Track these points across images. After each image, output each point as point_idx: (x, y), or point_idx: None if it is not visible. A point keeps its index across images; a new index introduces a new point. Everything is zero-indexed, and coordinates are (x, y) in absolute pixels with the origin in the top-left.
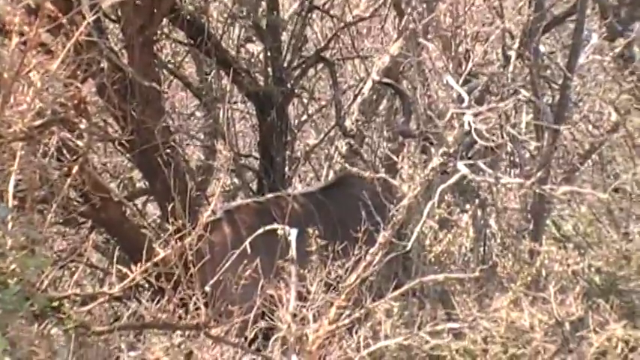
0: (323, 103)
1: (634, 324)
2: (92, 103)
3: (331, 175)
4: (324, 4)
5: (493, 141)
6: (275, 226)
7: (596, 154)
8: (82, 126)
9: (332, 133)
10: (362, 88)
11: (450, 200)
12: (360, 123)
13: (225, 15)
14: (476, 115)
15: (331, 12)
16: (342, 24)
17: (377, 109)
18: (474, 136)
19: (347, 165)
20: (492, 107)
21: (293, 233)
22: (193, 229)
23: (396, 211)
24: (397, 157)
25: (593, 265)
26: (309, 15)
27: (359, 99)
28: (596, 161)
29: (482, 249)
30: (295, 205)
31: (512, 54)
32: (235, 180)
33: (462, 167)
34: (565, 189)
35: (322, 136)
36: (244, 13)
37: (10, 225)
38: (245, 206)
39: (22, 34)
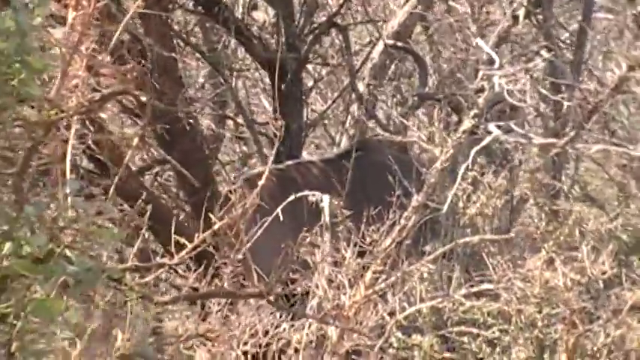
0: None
1: None
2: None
3: (344, 140)
4: None
5: (525, 101)
6: (307, 192)
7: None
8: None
9: (346, 100)
10: (372, 52)
11: (482, 162)
12: (372, 87)
13: None
14: (506, 76)
15: None
16: None
17: (388, 73)
18: (506, 97)
19: (361, 130)
20: (522, 68)
21: (325, 199)
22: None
23: (428, 174)
24: (407, 120)
25: (624, 224)
26: None
27: (369, 63)
28: (599, 120)
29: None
30: (315, 171)
31: (521, 12)
32: (245, 148)
33: (494, 129)
34: (599, 147)
35: (331, 101)
36: None
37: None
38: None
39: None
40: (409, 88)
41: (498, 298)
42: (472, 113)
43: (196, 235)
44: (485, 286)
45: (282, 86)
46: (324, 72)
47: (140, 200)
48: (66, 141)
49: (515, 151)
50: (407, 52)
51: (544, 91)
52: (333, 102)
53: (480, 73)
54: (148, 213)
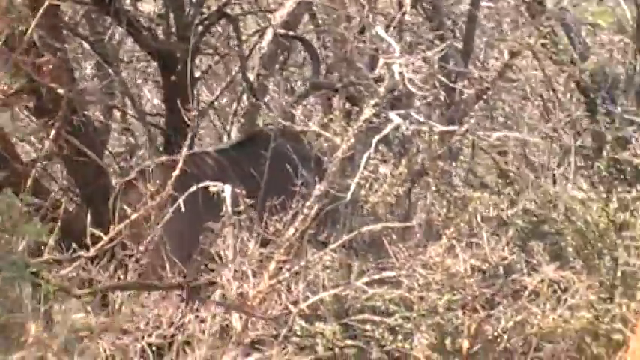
0: (227, 57)
1: (562, 266)
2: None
3: (234, 131)
4: None
5: (427, 89)
6: (209, 183)
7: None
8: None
9: (236, 90)
10: (261, 41)
11: (383, 150)
12: (261, 77)
13: None
14: (406, 64)
15: None
16: None
17: (278, 62)
18: (408, 85)
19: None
20: (422, 56)
21: (227, 190)
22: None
23: (329, 163)
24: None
25: (522, 210)
26: None
27: (259, 53)
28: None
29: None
30: (210, 162)
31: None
32: (131, 139)
33: (395, 117)
34: (499, 134)
35: (218, 91)
36: None
37: None
38: (159, 165)
39: None
40: (300, 78)
41: (400, 286)
42: (372, 102)
43: (111, 227)
44: (387, 273)
45: (173, 77)
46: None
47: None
48: None
49: (414, 139)
50: (298, 40)
51: (444, 79)
52: (222, 92)
53: (381, 62)
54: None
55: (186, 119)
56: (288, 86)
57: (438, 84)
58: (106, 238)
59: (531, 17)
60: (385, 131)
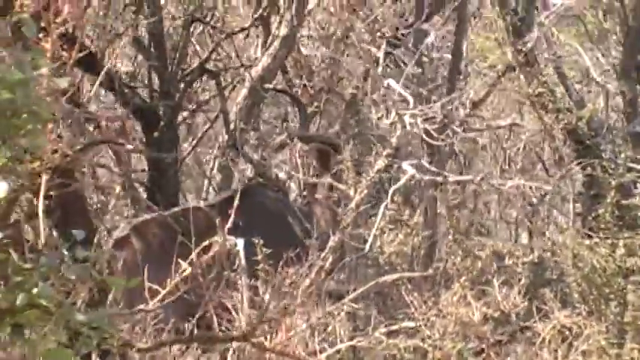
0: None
1: (571, 311)
2: None
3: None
4: (205, 16)
5: (442, 140)
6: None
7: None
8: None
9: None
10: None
11: (399, 200)
12: (239, 131)
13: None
14: (417, 115)
15: (212, 23)
16: (224, 35)
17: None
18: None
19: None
20: (431, 107)
21: (240, 243)
22: None
23: (344, 214)
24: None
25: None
26: (192, 27)
27: (234, 107)
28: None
29: (432, 247)
30: (201, 216)
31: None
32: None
33: (408, 167)
34: (513, 183)
35: (194, 142)
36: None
37: None
38: (151, 220)
39: None
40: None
41: (415, 335)
42: (385, 152)
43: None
44: (406, 324)
45: (156, 133)
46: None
47: None
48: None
49: (430, 188)
50: (285, 94)
51: (457, 129)
52: (197, 143)
53: (393, 112)
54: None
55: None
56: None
57: (451, 133)
58: (163, 292)
59: (528, 66)
60: (401, 182)
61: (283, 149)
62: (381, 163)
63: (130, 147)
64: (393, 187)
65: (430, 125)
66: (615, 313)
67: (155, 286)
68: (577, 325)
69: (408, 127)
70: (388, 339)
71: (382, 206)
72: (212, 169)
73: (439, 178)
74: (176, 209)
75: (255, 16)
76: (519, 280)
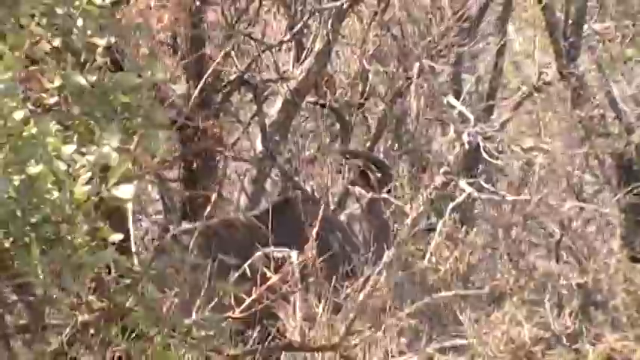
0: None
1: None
2: None
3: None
4: (246, 27)
5: (500, 159)
6: (275, 249)
7: None
8: None
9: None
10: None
11: (456, 218)
12: (273, 144)
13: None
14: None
15: (252, 35)
16: (263, 47)
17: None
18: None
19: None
20: (490, 125)
21: (294, 255)
22: None
23: (400, 230)
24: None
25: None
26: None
27: (267, 120)
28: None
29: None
30: (242, 228)
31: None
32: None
33: (466, 186)
34: (571, 204)
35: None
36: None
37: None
38: (194, 230)
39: None
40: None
41: (466, 352)
42: (442, 169)
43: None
44: (459, 341)
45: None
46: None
47: None
48: None
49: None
50: (330, 109)
51: (516, 148)
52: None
53: (452, 130)
54: None
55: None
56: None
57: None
58: (248, 300)
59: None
60: (459, 199)
61: (314, 163)
62: (438, 180)
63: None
64: (451, 205)
65: (489, 143)
66: None
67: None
68: (627, 349)
69: (467, 146)
70: (439, 355)
71: (440, 223)
72: (244, 180)
73: (496, 197)
74: (216, 219)
75: (295, 30)
76: (571, 301)
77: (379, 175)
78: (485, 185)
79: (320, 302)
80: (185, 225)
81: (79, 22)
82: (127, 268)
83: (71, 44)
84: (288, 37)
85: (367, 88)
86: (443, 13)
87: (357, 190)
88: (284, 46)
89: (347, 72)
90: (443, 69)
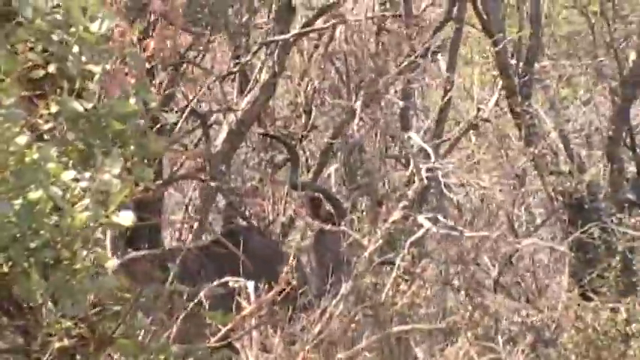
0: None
1: None
2: None
3: None
4: (195, 57)
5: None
6: (230, 278)
7: None
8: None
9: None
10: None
11: (413, 252)
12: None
13: None
14: (436, 169)
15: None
16: (214, 78)
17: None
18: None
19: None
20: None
21: (250, 285)
22: None
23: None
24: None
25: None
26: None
27: (213, 149)
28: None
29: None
30: (191, 257)
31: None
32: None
33: (425, 221)
34: (529, 241)
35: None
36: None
37: None
38: (140, 258)
39: None
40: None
41: None
42: (401, 204)
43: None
44: None
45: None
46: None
47: None
48: None
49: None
50: (277, 139)
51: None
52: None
53: (412, 165)
54: None
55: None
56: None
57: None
58: (224, 329)
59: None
60: (418, 234)
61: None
62: (396, 215)
63: (213, 184)
64: (410, 239)
65: (447, 179)
66: None
67: None
68: None
69: (425, 181)
70: None
71: (399, 257)
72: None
73: (455, 233)
74: (164, 248)
75: (244, 60)
76: (523, 338)
77: (332, 207)
78: (443, 220)
79: (275, 333)
80: (132, 253)
81: (75, 48)
82: (114, 295)
83: (66, 71)
84: (237, 67)
85: (310, 121)
86: (387, 48)
87: (307, 221)
88: (229, 77)
89: (291, 104)
90: (391, 102)
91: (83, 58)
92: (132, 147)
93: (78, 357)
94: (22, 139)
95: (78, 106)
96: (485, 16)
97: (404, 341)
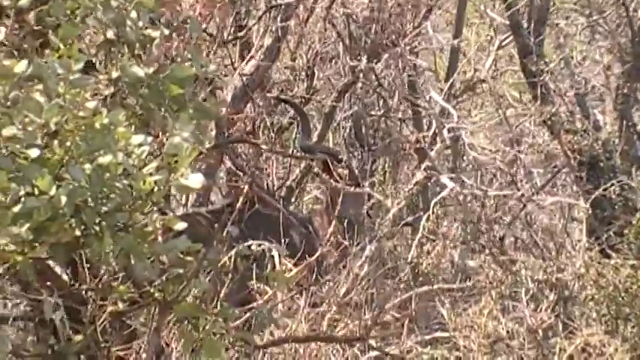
0: None
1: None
2: None
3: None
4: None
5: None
6: (258, 242)
7: None
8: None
9: None
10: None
11: (438, 212)
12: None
13: None
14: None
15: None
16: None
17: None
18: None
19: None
20: (475, 122)
21: (279, 250)
22: None
23: (381, 225)
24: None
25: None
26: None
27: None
28: None
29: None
30: (203, 222)
31: None
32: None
33: (447, 181)
34: (553, 199)
35: None
36: None
37: None
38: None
39: None
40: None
41: (447, 345)
42: (424, 165)
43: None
44: (440, 334)
45: None
46: None
47: None
48: None
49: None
50: (287, 103)
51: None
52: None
53: (434, 125)
54: None
55: None
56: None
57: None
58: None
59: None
60: (442, 194)
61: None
62: (419, 175)
63: (265, 147)
64: (434, 200)
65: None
66: (634, 334)
67: None
68: (600, 343)
69: (448, 142)
70: (419, 348)
71: (423, 218)
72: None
73: (479, 192)
74: (177, 214)
75: (251, 24)
76: (547, 296)
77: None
78: (467, 181)
79: (301, 295)
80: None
81: (133, 14)
82: (180, 258)
83: (125, 36)
84: (242, 32)
85: (313, 83)
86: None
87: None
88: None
89: (288, 68)
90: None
91: (140, 24)
92: (191, 110)
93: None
94: (91, 104)
95: (138, 70)
96: None
97: (429, 301)
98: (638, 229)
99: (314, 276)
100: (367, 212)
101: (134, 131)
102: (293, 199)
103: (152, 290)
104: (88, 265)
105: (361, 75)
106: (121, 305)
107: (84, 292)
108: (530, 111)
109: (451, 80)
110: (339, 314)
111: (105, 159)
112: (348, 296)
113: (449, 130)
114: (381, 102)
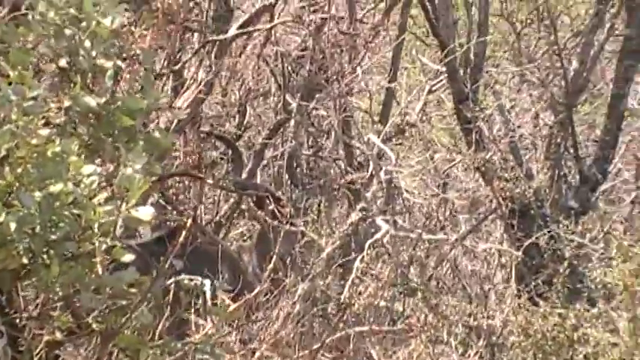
0: None
1: None
2: None
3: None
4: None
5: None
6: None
7: None
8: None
9: None
10: None
11: (373, 253)
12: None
13: None
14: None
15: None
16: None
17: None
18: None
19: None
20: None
21: (207, 284)
22: None
23: (314, 264)
24: None
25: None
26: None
27: None
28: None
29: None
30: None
31: None
32: None
33: (382, 223)
34: (485, 246)
35: None
36: None
37: None
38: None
39: None
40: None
41: None
42: (359, 206)
43: None
44: None
45: None
46: None
47: None
48: None
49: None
50: (221, 140)
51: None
52: None
53: (371, 166)
54: None
55: None
56: None
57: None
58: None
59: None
60: (376, 236)
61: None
62: (354, 216)
63: (210, 181)
64: (369, 241)
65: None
66: None
67: None
68: None
69: (384, 184)
70: None
71: (358, 259)
72: None
73: (413, 235)
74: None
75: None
76: (475, 342)
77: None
78: (401, 223)
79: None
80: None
81: (87, 43)
82: (124, 290)
83: (77, 65)
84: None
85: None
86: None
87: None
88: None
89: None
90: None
91: (94, 53)
92: (141, 142)
93: (70, 349)
94: (45, 132)
95: (90, 100)
96: (435, 22)
97: (360, 342)
98: (565, 277)
99: (245, 313)
100: (299, 250)
101: (84, 161)
102: (221, 235)
103: (90, 321)
104: (23, 294)
105: (294, 113)
106: (58, 335)
107: (18, 320)
108: (461, 156)
109: (390, 122)
110: (271, 352)
111: (56, 187)
112: (279, 334)
113: (385, 172)
114: (311, 141)
